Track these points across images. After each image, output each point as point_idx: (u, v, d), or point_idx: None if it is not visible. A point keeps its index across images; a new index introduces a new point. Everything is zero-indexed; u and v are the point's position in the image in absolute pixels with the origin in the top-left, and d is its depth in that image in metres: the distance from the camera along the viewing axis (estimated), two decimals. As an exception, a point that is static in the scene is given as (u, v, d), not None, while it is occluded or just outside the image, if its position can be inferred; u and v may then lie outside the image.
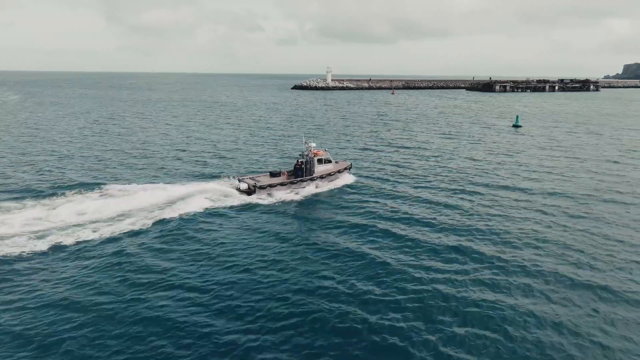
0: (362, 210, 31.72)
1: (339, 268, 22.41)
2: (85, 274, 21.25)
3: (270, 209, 32.02)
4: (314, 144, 38.53)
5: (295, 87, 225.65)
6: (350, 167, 41.48)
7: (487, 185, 38.81)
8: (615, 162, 49.29)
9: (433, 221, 29.52)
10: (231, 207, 31.91)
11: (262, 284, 20.54)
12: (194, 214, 29.88)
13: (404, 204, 33.55)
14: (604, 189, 38.02)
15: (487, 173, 43.41)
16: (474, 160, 50.17)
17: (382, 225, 28.66)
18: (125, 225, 27.07)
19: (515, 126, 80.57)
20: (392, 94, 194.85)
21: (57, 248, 24.15)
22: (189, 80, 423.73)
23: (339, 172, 39.27)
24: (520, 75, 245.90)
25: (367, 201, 34.02)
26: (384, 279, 21.26)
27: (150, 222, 27.79)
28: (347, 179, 39.74)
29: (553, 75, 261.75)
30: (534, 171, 44.48)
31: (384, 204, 33.39)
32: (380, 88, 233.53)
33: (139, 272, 21.57)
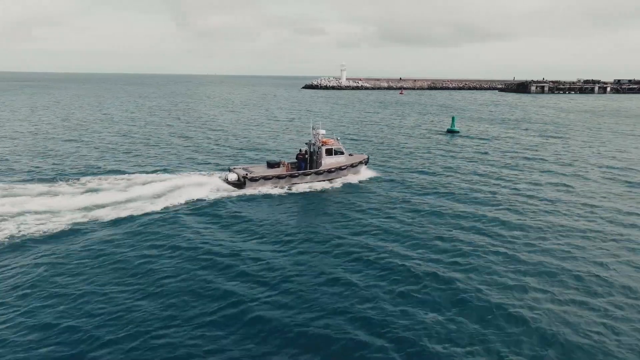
0: (377, 213, 25.71)
1: (344, 278, 17.47)
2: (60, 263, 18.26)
3: (258, 206, 26.68)
4: (323, 131, 32.79)
5: (306, 87, 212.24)
6: (367, 161, 35.45)
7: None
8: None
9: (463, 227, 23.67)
10: (212, 203, 26.53)
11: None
12: (167, 212, 24.59)
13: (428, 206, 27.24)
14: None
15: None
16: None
17: (400, 227, 23.29)
18: (98, 217, 23.40)
19: (451, 131, 61.92)
20: (401, 94, 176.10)
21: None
22: (233, 80, 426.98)
23: (352, 166, 33.51)
24: (586, 78, 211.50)
25: (383, 202, 27.93)
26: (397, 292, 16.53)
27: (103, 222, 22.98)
28: (363, 174, 34.14)
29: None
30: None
31: (404, 206, 27.05)
32: (401, 88, 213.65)
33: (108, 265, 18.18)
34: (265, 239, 21.51)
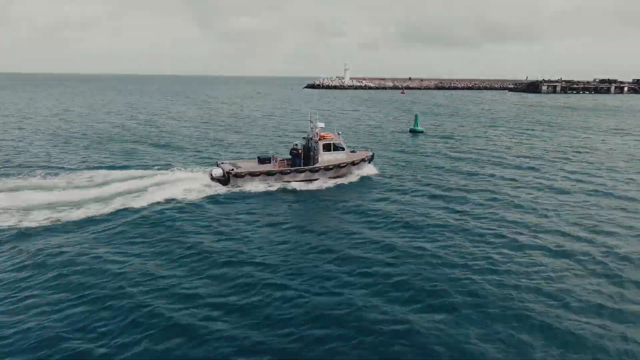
0: (378, 216, 22.92)
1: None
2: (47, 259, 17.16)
3: (231, 207, 23.75)
4: (321, 124, 29.60)
5: (308, 86, 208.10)
6: (372, 159, 32.22)
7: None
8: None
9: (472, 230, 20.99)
10: (186, 203, 23.90)
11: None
12: (139, 212, 22.37)
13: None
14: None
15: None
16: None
17: (407, 232, 20.64)
18: (73, 215, 22.01)
19: (414, 131, 56.63)
20: (402, 93, 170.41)
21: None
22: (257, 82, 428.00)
23: (353, 164, 30.28)
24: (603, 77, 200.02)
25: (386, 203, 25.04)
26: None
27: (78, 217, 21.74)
28: (366, 171, 31.23)
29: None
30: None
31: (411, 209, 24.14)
32: (408, 88, 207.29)
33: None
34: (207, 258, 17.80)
